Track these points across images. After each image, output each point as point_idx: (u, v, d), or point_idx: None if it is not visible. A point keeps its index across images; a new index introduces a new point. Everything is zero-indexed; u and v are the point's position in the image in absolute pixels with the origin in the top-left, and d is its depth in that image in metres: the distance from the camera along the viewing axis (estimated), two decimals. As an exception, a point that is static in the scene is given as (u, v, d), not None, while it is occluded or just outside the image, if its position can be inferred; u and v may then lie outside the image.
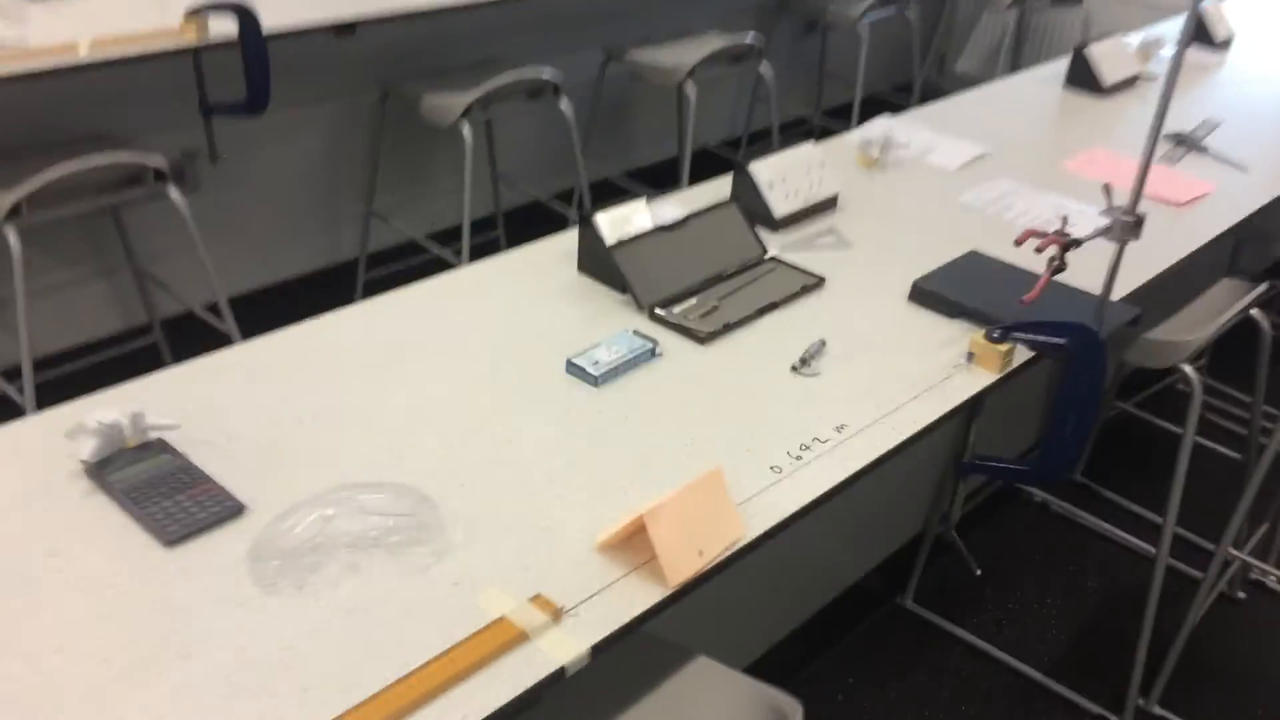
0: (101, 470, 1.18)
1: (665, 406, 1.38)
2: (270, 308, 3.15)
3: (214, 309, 2.76)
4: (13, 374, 2.57)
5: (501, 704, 0.97)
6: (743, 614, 1.98)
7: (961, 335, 1.58)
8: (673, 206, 1.75)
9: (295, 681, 0.97)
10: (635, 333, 1.49)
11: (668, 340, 1.52)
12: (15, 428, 1.27)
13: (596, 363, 1.42)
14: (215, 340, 2.86)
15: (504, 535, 1.16)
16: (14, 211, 2.28)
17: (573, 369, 1.42)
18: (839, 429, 1.36)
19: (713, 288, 1.64)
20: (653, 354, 1.47)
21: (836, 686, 2.14)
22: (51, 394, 2.61)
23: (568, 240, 1.77)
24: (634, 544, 1.14)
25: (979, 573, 2.41)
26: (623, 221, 1.65)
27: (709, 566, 1.13)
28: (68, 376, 2.80)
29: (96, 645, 0.99)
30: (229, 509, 1.15)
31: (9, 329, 2.68)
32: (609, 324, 1.55)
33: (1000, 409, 2.36)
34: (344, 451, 1.26)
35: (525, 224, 3.63)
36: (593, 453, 1.29)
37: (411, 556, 1.12)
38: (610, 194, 3.89)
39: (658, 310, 1.56)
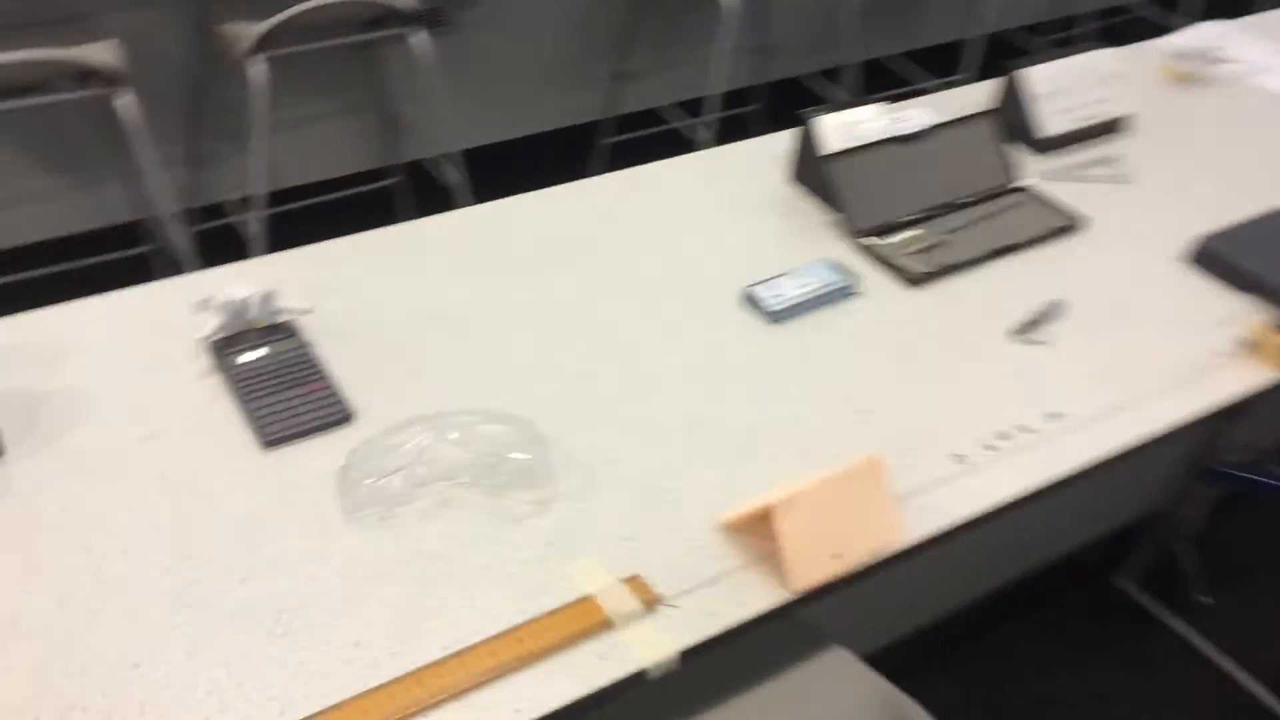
0: (222, 350, 1.11)
1: (847, 361, 1.17)
2: (506, 164, 3.08)
3: (448, 159, 2.70)
4: (241, 207, 2.63)
5: (562, 704, 0.84)
6: (910, 580, 1.77)
7: (1245, 316, 1.27)
8: (918, 113, 1.49)
9: (348, 633, 0.87)
10: (834, 264, 1.28)
11: (872, 277, 1.29)
12: (151, 290, 1.22)
13: (779, 295, 1.22)
14: (440, 196, 2.85)
15: (617, 493, 1.01)
16: (263, 43, 2.27)
17: (749, 299, 1.23)
18: (1053, 417, 1.11)
19: (942, 218, 1.39)
20: (848, 292, 1.26)
21: (1019, 665, 1.90)
22: (282, 229, 2.67)
23: (786, 141, 1.55)
24: (761, 529, 0.96)
25: (1210, 601, 2.07)
26: (850, 127, 1.42)
27: (846, 572, 0.94)
28: (301, 212, 2.84)
29: (161, 553, 0.93)
30: (337, 414, 1.06)
31: (248, 157, 2.73)
32: (807, 249, 1.34)
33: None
34: (472, 365, 1.14)
35: (787, 101, 3.38)
36: (745, 407, 1.11)
37: (511, 502, 0.99)
38: (881, 77, 3.55)
39: (868, 239, 1.33)
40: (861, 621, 1.64)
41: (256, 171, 2.38)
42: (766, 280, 1.25)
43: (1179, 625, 1.97)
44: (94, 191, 2.63)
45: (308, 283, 1.24)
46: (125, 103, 2.18)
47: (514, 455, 1.02)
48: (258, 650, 0.86)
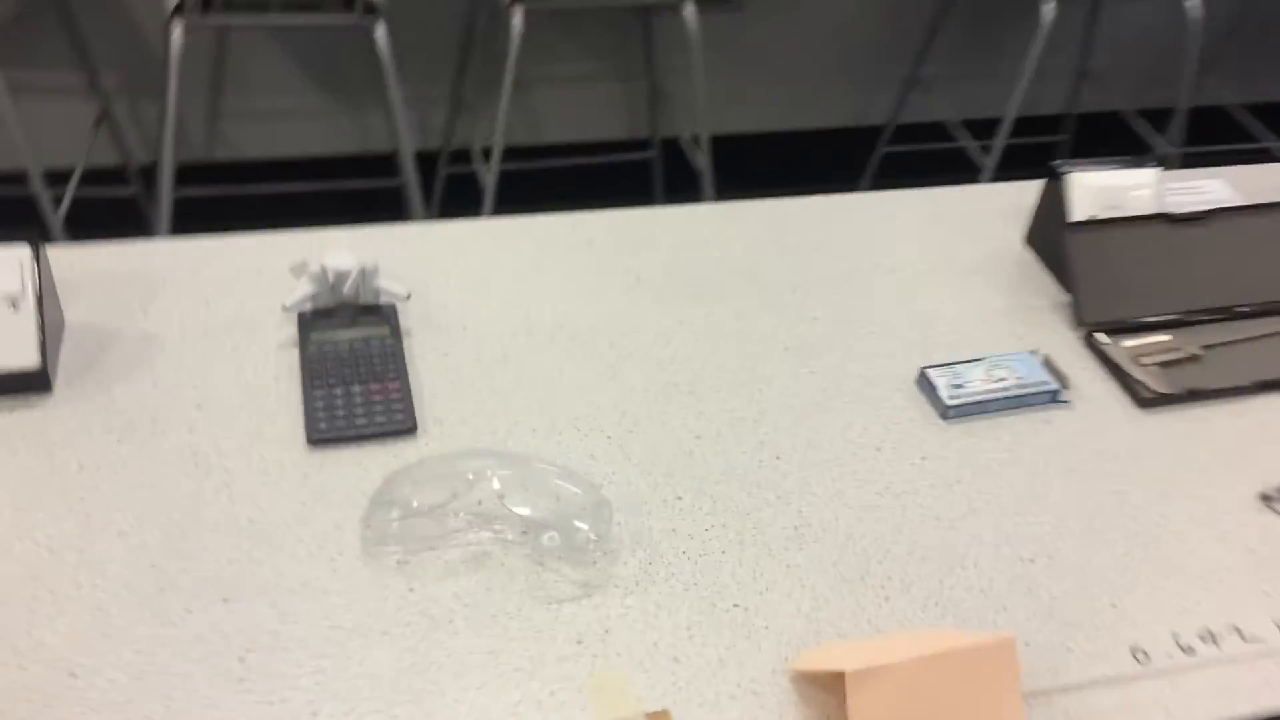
0: (308, 323, 1.00)
1: (1025, 489, 0.92)
2: (757, 158, 2.89)
3: (700, 143, 2.54)
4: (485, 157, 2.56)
5: None
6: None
7: None
8: (1214, 186, 1.19)
9: (312, 697, 0.73)
10: (1045, 360, 1.02)
11: (1091, 386, 1.03)
12: (266, 240, 1.12)
13: (961, 386, 0.99)
14: (691, 180, 2.69)
15: (681, 598, 0.82)
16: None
17: (924, 383, 1.00)
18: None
19: (1203, 326, 1.10)
20: (1055, 399, 1.00)
21: None
22: (524, 185, 2.60)
23: (1030, 194, 1.28)
24: (833, 687, 0.75)
25: None
26: (1113, 192, 1.14)
27: (934, 782, 0.71)
28: (548, 172, 2.76)
29: (156, 546, 0.82)
30: (398, 424, 0.92)
31: (497, 107, 2.67)
32: (1017, 333, 1.09)
33: None
34: (567, 400, 0.97)
35: (1098, 137, 3.00)
36: (875, 519, 0.89)
37: (554, 577, 0.82)
38: (1217, 127, 3.09)
39: (1100, 335, 1.07)
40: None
41: (500, 123, 2.30)
42: (952, 364, 1.01)
43: None
44: (356, 117, 2.65)
45: (426, 260, 1.11)
46: (381, 34, 2.15)
47: (577, 524, 0.85)
48: (209, 691, 0.73)
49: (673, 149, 2.75)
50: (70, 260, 1.07)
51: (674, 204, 1.23)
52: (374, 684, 0.74)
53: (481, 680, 0.75)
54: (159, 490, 0.86)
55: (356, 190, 2.54)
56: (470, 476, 0.85)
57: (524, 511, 0.85)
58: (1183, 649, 0.80)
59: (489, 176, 2.32)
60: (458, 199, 2.66)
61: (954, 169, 2.78)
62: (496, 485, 0.84)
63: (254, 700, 0.73)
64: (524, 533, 0.84)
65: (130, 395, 0.94)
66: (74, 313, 1.01)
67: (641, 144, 2.82)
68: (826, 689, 0.76)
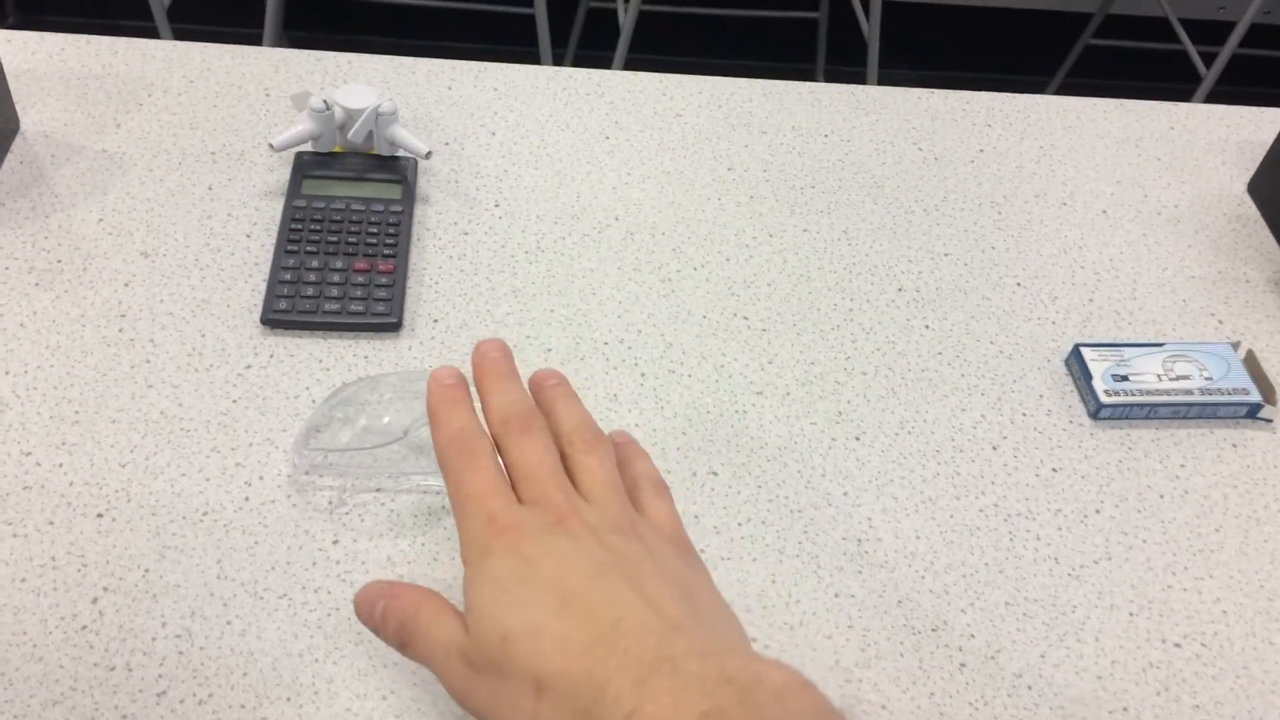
0: (305, 168, 0.80)
1: (1190, 538, 0.67)
2: (936, 32, 2.54)
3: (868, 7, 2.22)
4: None
5: None
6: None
7: None
8: None
9: (155, 671, 0.56)
10: (1249, 357, 0.75)
11: (1308, 399, 0.76)
12: (282, 57, 0.91)
13: (1125, 379, 0.73)
14: (853, 47, 2.34)
15: (679, 617, 0.60)
16: None
17: (1076, 364, 0.75)
18: None
19: None
20: (1253, 413, 0.73)
21: None
22: (652, 34, 2.32)
23: (1267, 125, 0.98)
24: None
25: None
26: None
27: None
28: (685, 20, 2.48)
29: (47, 427, 0.65)
30: (377, 317, 0.72)
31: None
32: (1221, 314, 0.81)
33: None
34: (603, 317, 0.76)
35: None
36: (977, 549, 0.65)
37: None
38: None
39: (1332, 333, 0.78)
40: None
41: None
42: (1118, 346, 0.75)
43: None
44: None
45: (470, 110, 0.89)
46: None
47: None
48: (40, 637, 0.56)
49: (843, 9, 2.43)
50: (39, 51, 0.88)
51: (835, 76, 0.98)
52: (249, 664, 0.56)
53: (391, 686, 0.56)
54: (65, 356, 0.68)
55: (479, 12, 2.31)
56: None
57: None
58: (1377, 819, 0.56)
59: (627, 16, 2.06)
60: (594, 39, 2.41)
61: (1168, 76, 2.39)
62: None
63: (93, 661, 0.55)
64: (494, 491, 0.64)
65: (68, 228, 0.76)
66: (32, 118, 0.83)
67: (809, 0, 2.50)
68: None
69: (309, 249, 0.74)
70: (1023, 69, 2.62)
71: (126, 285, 0.73)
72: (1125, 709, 0.59)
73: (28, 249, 0.74)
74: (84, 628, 0.57)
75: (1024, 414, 0.73)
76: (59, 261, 0.74)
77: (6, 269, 0.73)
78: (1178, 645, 0.62)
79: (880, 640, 0.61)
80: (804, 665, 0.59)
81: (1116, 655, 0.61)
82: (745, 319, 0.76)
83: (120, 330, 0.70)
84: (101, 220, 0.77)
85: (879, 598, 0.62)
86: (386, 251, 0.75)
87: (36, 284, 0.72)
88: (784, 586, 0.62)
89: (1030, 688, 0.59)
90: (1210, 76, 2.16)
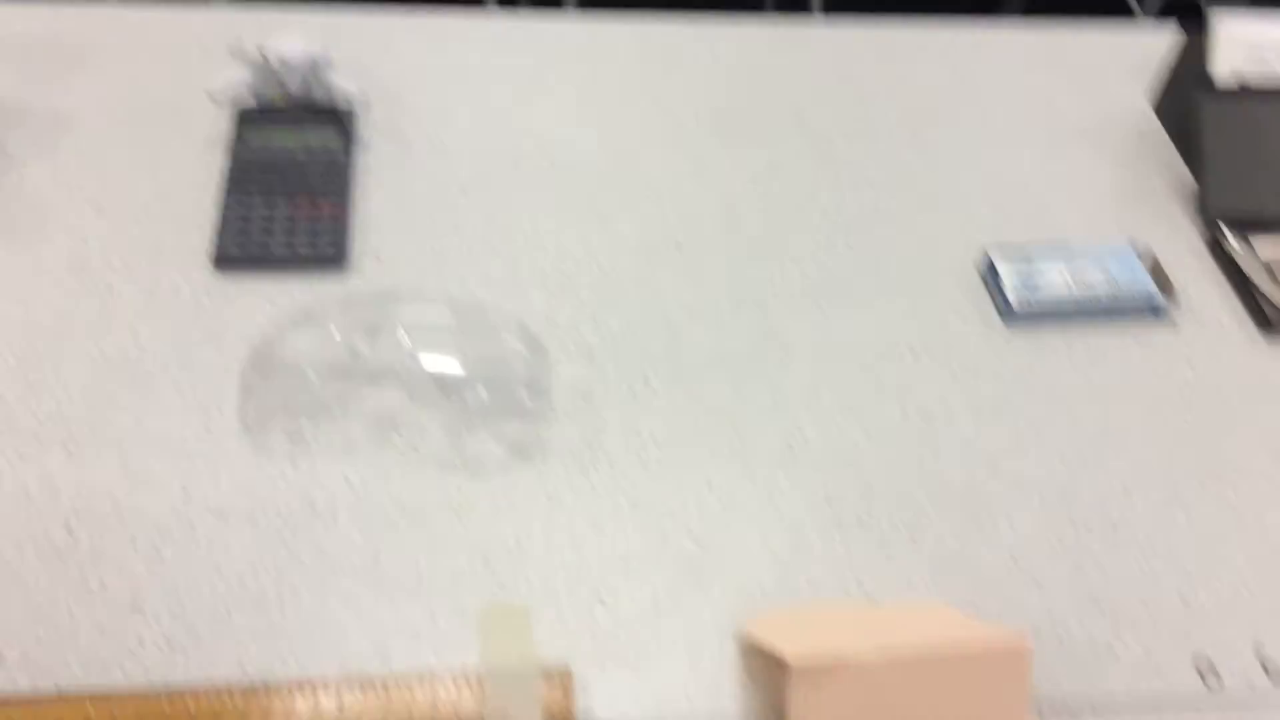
0: (249, 119, 0.82)
1: (1096, 428, 0.72)
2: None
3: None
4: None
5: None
6: None
7: None
8: None
9: (138, 587, 0.59)
10: (1151, 261, 0.80)
11: (1206, 298, 0.81)
12: (219, 17, 0.94)
13: (1034, 283, 0.77)
14: None
15: (625, 514, 0.65)
16: None
17: (990, 274, 0.79)
18: None
19: (1373, 238, 0.85)
20: (1155, 311, 0.78)
21: None
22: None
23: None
24: (782, 668, 0.58)
25: None
26: (1277, 49, 0.89)
27: (896, 806, 0.55)
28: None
29: (13, 370, 0.68)
30: (323, 254, 0.75)
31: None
32: (1127, 221, 0.86)
33: None
34: (535, 246, 0.79)
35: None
36: (900, 445, 0.70)
37: (482, 443, 0.66)
38: None
39: (1229, 235, 0.83)
40: None
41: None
42: (1027, 256, 0.80)
43: None
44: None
45: (406, 58, 0.92)
46: None
47: (512, 381, 0.68)
48: (17, 561, 0.59)
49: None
50: (-11, 16, 0.90)
51: (785, 17, 1.01)
52: (218, 577, 0.60)
53: (350, 589, 0.60)
54: (24, 306, 0.71)
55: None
56: (380, 324, 0.68)
57: (446, 368, 0.68)
58: (1269, 672, 0.61)
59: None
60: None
61: (1112, 8, 2.44)
62: (404, 334, 0.66)
63: (71, 580, 0.59)
64: (444, 394, 0.67)
65: (23, 185, 0.78)
66: (-22, 80, 0.85)
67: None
68: (781, 667, 0.59)
69: (252, 191, 0.77)
70: (973, 8, 2.65)
71: (81, 238, 0.76)
72: (1039, 585, 0.64)
73: (-18, 205, 0.77)
74: (59, 551, 0.60)
75: (943, 322, 0.77)
76: (14, 217, 0.76)
77: (-38, 225, 0.75)
78: (1088, 527, 0.67)
79: (810, 532, 0.65)
80: (740, 558, 0.63)
81: (1030, 537, 0.66)
82: (678, 245, 0.80)
83: (78, 280, 0.73)
84: (54, 177, 0.79)
85: (808, 494, 0.67)
86: (331, 194, 0.78)
87: (-8, 238, 0.75)
88: (718, 488, 0.67)
89: (951, 568, 0.64)
90: (1151, 10, 2.20)
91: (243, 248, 0.74)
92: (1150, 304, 0.78)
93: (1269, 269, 0.81)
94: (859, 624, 0.58)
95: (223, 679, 0.56)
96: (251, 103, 0.83)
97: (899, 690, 0.52)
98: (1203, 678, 0.60)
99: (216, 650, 0.57)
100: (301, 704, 0.55)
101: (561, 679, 0.57)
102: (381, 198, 0.81)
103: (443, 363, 0.68)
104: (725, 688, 0.58)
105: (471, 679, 0.56)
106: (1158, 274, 0.79)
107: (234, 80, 0.81)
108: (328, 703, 0.55)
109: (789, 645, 0.53)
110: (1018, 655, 0.53)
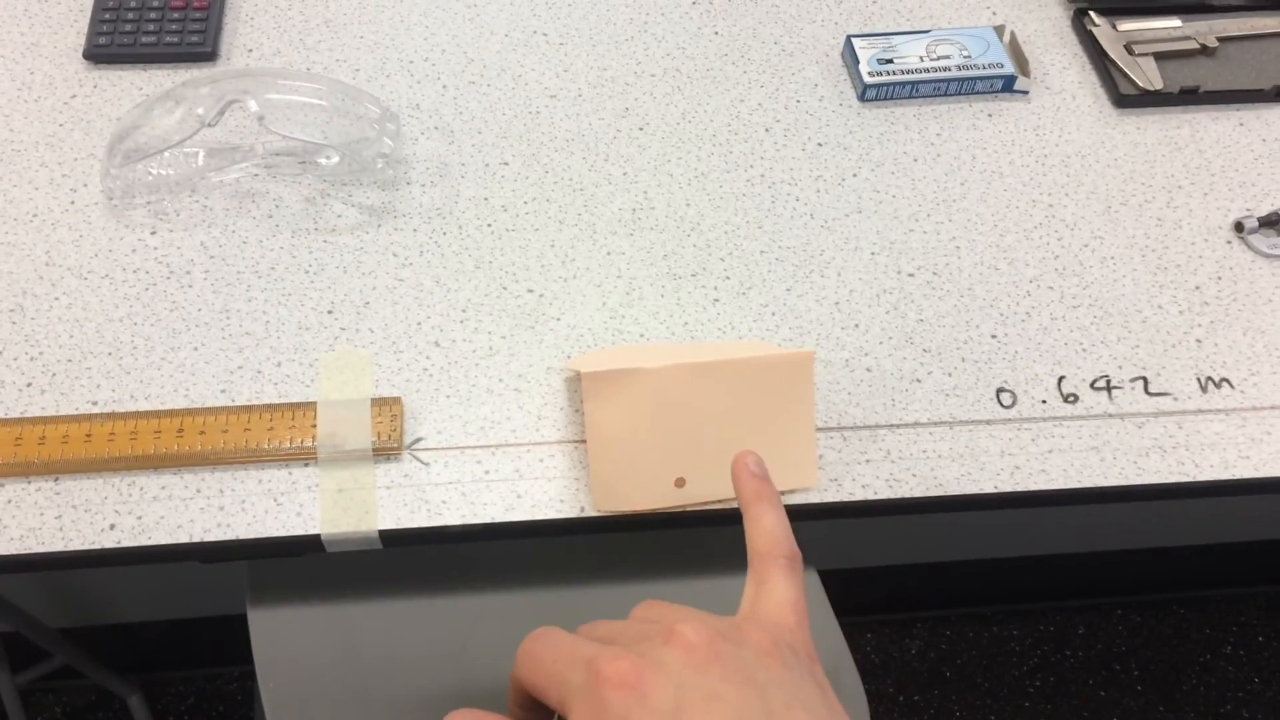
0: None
1: (935, 191, 0.75)
2: None
3: None
4: None
5: (171, 542, 0.57)
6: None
7: None
8: None
9: (1, 332, 0.63)
10: (1012, 39, 0.82)
11: (1064, 74, 0.82)
12: None
13: (889, 62, 0.79)
14: None
15: (469, 273, 0.68)
16: None
17: (849, 55, 0.81)
18: (1211, 384, 0.66)
19: (1234, 14, 0.86)
20: (1007, 85, 0.80)
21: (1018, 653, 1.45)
22: None
23: None
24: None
25: None
26: None
27: (691, 508, 0.59)
28: None
29: None
30: (192, 47, 0.78)
31: None
32: (994, 5, 0.87)
33: None
34: (403, 38, 0.81)
35: None
36: (741, 210, 0.73)
37: (339, 205, 0.69)
38: None
39: (1093, 14, 0.84)
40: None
41: None
42: (885, 34, 0.81)
43: None
44: None
45: None
46: None
47: (365, 143, 0.71)
48: (-119, 318, 0.63)
49: None
50: None
51: None
52: (74, 330, 0.64)
53: (200, 340, 0.64)
54: (-100, 96, 0.74)
55: None
56: (226, 99, 0.71)
57: (303, 139, 0.71)
58: (1065, 397, 0.64)
59: None
60: None
61: None
62: (254, 107, 0.69)
63: (-66, 334, 0.63)
64: (301, 162, 0.71)
65: (-95, -10, 0.81)
66: None
67: None
68: (579, 381, 0.63)
69: (128, -8, 0.80)
70: None
71: (-41, 34, 0.78)
72: (857, 325, 0.67)
73: None
74: (-75, 308, 0.64)
75: (798, 100, 0.79)
76: (-106, 17, 0.79)
77: None
78: (911, 275, 0.70)
79: (644, 285, 0.68)
80: (575, 310, 0.67)
81: (855, 285, 0.69)
82: (544, 35, 0.82)
83: (-46, 72, 0.76)
84: (-66, -20, 0.81)
85: (646, 254, 0.70)
86: (203, -8, 0.80)
87: (-127, 37, 0.77)
88: (561, 249, 0.70)
89: (774, 314, 0.67)
90: None
91: (114, 41, 0.77)
92: (1002, 77, 0.79)
93: (1127, 46, 0.82)
94: (667, 351, 0.61)
95: (76, 413, 0.60)
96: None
97: (688, 391, 0.56)
98: (1000, 401, 0.64)
99: (71, 389, 0.61)
100: (144, 426, 0.59)
101: (390, 406, 0.61)
102: (254, -5, 0.83)
103: (300, 135, 0.71)
104: (547, 418, 0.62)
105: (308, 410, 0.60)
106: (1015, 51, 0.81)
107: (106, -118, 0.82)
108: (171, 424, 0.59)
109: (591, 366, 0.57)
110: (800, 359, 0.57)
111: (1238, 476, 0.61)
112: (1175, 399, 0.64)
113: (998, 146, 0.77)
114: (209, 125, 0.69)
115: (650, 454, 0.57)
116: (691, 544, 0.74)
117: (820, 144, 0.76)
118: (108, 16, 0.78)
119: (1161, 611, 1.52)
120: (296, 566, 0.69)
